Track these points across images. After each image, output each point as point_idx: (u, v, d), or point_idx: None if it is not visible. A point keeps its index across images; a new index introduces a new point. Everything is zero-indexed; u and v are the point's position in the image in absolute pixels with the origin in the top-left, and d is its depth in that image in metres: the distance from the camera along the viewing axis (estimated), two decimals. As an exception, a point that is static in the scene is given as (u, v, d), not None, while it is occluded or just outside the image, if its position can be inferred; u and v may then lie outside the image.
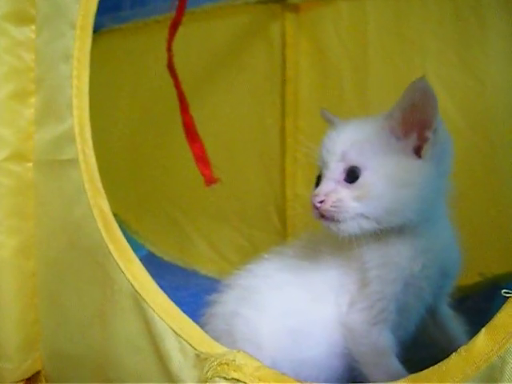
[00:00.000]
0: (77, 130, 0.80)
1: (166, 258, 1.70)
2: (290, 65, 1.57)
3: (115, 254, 0.77)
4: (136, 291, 0.75)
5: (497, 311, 0.60)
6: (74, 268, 0.82)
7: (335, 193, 0.83)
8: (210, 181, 1.27)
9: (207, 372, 0.71)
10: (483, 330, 0.61)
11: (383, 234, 0.84)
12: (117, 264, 0.76)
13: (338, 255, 0.91)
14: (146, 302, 0.75)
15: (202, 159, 1.27)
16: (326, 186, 0.85)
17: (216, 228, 1.67)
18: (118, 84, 1.71)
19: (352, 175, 0.83)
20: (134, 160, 1.59)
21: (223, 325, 0.90)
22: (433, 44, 1.38)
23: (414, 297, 0.88)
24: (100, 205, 0.79)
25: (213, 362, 0.72)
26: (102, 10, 0.85)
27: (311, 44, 1.55)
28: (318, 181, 0.90)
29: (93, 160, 0.80)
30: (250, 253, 1.62)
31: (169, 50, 1.23)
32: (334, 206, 0.83)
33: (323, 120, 1.00)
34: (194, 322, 0.75)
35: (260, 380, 0.70)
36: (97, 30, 0.83)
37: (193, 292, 1.36)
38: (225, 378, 0.71)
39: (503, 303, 0.62)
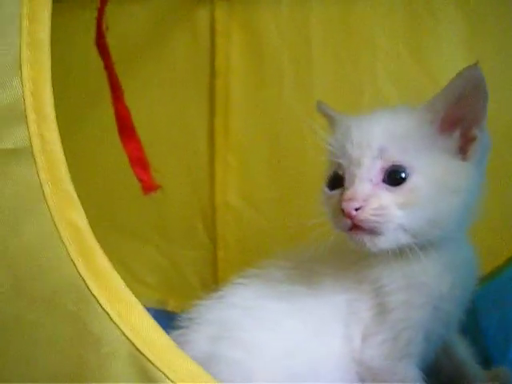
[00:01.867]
0: (28, 101, 0.47)
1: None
2: (220, 56, 1.30)
3: (100, 295, 0.45)
4: (141, 354, 0.44)
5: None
6: (22, 324, 0.48)
7: (376, 197, 0.66)
8: (149, 188, 0.98)
9: None
10: None
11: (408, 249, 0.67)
12: (104, 311, 0.45)
13: (343, 276, 0.74)
14: (162, 372, 0.44)
15: (139, 161, 0.98)
16: (361, 188, 0.66)
17: (129, 244, 1.34)
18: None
19: (394, 176, 0.67)
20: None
21: None
22: (382, 37, 1.21)
23: (441, 322, 0.73)
24: (71, 218, 0.47)
25: None
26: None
27: (245, 33, 1.30)
28: (335, 182, 0.72)
29: (57, 148, 0.47)
30: (171, 273, 1.37)
31: (99, 22, 0.92)
32: (376, 215, 0.65)
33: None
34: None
35: None
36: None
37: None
38: None
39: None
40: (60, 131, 1.14)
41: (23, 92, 0.47)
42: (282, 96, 1.28)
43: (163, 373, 0.45)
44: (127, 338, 0.46)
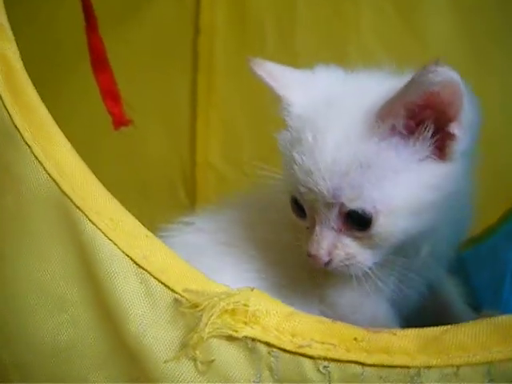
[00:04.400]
0: None
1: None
2: (205, 14, 1.24)
3: (24, 129, 0.39)
4: (63, 192, 0.38)
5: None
6: None
7: (341, 247, 0.57)
8: (120, 122, 0.91)
9: (199, 329, 0.36)
10: None
11: None
12: (27, 146, 0.39)
13: None
14: (82, 211, 0.38)
15: (110, 93, 0.91)
16: (324, 239, 0.56)
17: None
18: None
19: (357, 218, 0.55)
20: None
21: None
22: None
23: (415, 273, 0.64)
24: (1, 51, 0.41)
25: (209, 309, 0.37)
26: None
27: (230, -11, 1.24)
28: (298, 207, 0.60)
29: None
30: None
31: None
32: (344, 263, 0.57)
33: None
34: (164, 244, 0.40)
35: (294, 335, 0.36)
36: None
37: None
38: (231, 338, 0.36)
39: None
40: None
41: None
42: (265, 54, 1.22)
43: (86, 215, 0.39)
44: (50, 176, 0.40)
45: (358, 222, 0.54)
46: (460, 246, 0.99)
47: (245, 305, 0.37)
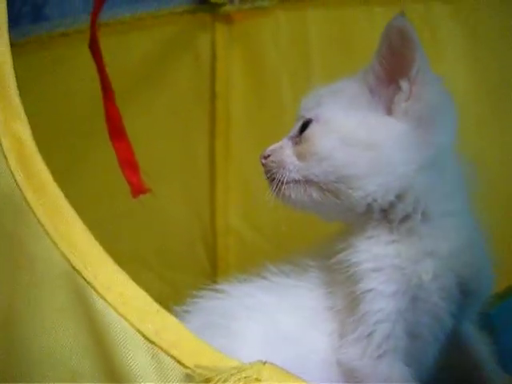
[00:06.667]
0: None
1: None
2: (221, 79, 1.29)
3: (37, 208, 0.41)
4: (77, 272, 0.39)
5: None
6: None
7: (283, 148, 0.70)
8: (138, 190, 0.93)
9: (211, 405, 0.36)
10: None
11: (368, 228, 0.65)
12: (40, 225, 0.40)
13: (326, 269, 0.70)
14: (92, 287, 0.39)
15: (128, 163, 0.94)
16: (279, 143, 0.71)
17: (129, 270, 1.27)
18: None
19: (303, 129, 0.68)
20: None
21: None
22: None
23: (427, 316, 0.65)
24: (14, 130, 0.44)
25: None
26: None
27: (245, 56, 1.30)
28: None
29: (5, 60, 0.44)
30: (172, 299, 1.28)
31: (93, 25, 0.91)
32: (274, 162, 0.69)
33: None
34: (177, 320, 0.41)
35: (308, 411, 0.36)
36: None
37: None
38: (244, 414, 0.36)
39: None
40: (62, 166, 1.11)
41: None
42: (282, 117, 1.25)
43: (96, 291, 0.40)
44: (62, 254, 0.41)
45: (301, 133, 0.67)
46: (487, 304, 0.99)
47: (257, 379, 0.37)
